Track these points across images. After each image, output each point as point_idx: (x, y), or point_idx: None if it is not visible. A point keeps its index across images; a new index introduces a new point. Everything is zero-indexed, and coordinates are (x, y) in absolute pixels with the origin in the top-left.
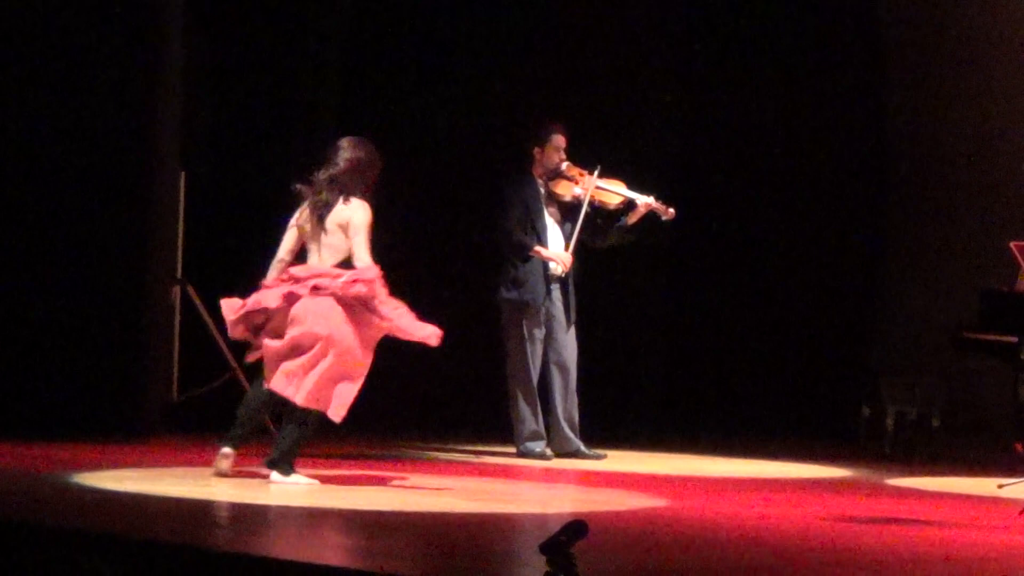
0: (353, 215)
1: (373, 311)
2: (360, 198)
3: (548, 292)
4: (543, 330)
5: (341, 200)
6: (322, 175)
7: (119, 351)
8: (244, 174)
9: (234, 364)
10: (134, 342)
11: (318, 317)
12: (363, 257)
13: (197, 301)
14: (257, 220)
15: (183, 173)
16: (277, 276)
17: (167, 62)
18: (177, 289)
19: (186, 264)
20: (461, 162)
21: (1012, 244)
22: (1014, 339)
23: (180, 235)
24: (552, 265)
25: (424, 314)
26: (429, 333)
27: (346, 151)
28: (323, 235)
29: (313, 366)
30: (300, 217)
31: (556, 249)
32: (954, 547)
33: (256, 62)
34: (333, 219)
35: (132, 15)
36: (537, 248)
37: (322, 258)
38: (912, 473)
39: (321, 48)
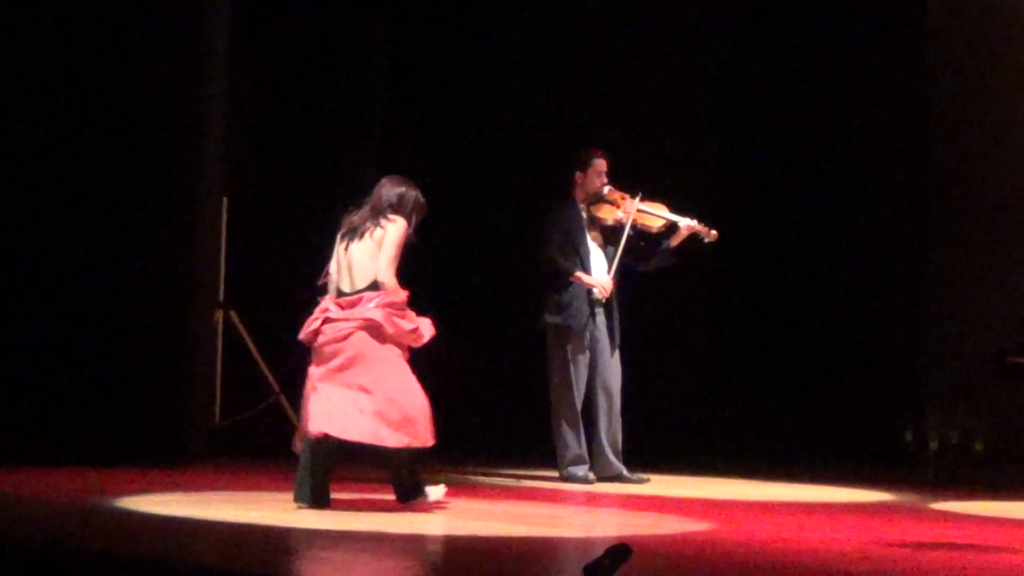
0: (387, 231)
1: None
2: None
3: (592, 316)
4: (587, 354)
5: (374, 223)
6: (363, 208)
7: (163, 376)
8: (286, 200)
9: (277, 388)
10: (178, 367)
11: (369, 359)
12: (385, 272)
13: (240, 326)
14: (299, 246)
15: (225, 199)
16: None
17: (210, 89)
18: (220, 314)
19: (229, 289)
20: (503, 188)
21: None
22: None
23: (223, 260)
24: (594, 290)
25: (469, 340)
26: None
27: (387, 187)
28: (355, 260)
29: (383, 407)
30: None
31: (599, 273)
32: (996, 571)
33: (299, 88)
34: (372, 240)
35: (176, 42)
36: (578, 274)
37: (354, 284)
38: (955, 498)
39: (364, 74)
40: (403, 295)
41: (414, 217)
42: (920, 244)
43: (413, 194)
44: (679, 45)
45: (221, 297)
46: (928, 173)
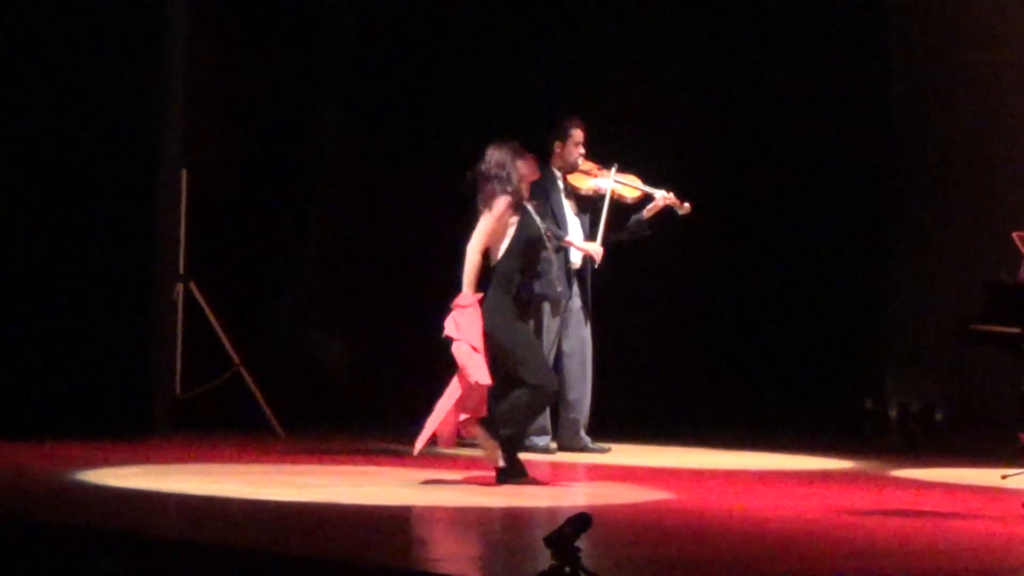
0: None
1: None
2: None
3: (569, 285)
4: (559, 324)
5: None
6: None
7: (123, 349)
8: (247, 172)
9: (237, 360)
10: (138, 340)
11: None
12: (468, 248)
13: (200, 298)
14: (259, 217)
15: (185, 171)
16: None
17: (170, 60)
18: (180, 286)
19: (189, 261)
20: (469, 159)
21: (1015, 234)
22: (1018, 330)
23: (183, 233)
24: (573, 258)
25: (436, 309)
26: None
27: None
28: None
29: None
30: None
31: (577, 241)
32: (957, 537)
33: (260, 60)
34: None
35: (136, 14)
36: (569, 239)
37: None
38: (916, 465)
39: (327, 45)
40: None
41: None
42: (882, 213)
43: (509, 159)
44: (646, 18)
45: (181, 270)
46: (890, 143)
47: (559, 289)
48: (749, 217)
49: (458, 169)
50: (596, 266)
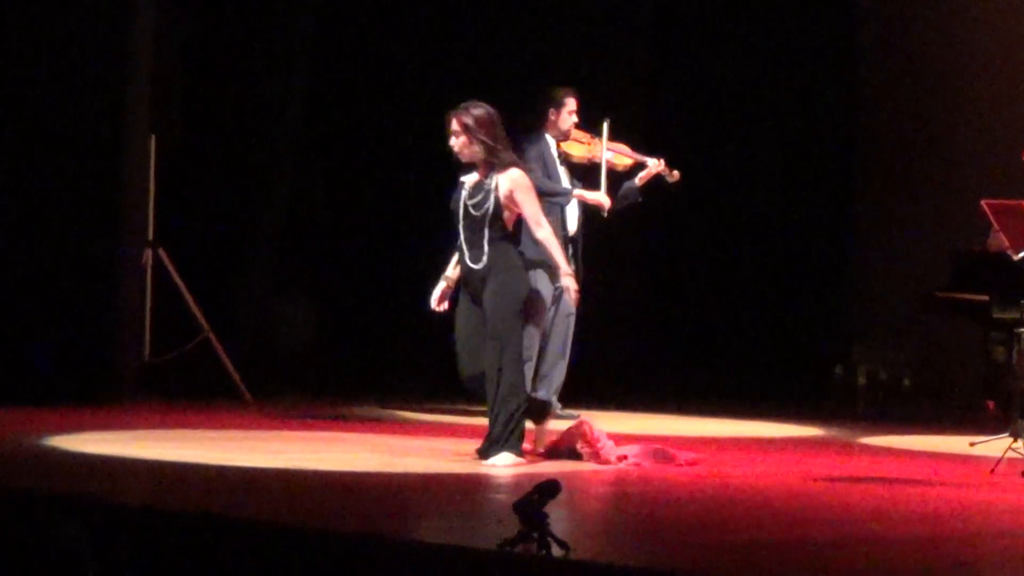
0: (511, 184)
1: None
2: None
3: (566, 252)
4: (551, 285)
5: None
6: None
7: (92, 314)
8: (215, 137)
9: (207, 327)
10: (107, 306)
11: None
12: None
13: (169, 264)
14: (227, 183)
15: (153, 137)
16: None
17: (138, 26)
18: (149, 252)
19: (158, 228)
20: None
21: (983, 202)
22: (985, 298)
23: (151, 198)
24: (570, 226)
25: (402, 276)
26: None
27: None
28: None
29: None
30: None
31: (572, 209)
32: (926, 504)
33: (227, 25)
34: None
35: None
36: (579, 192)
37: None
38: (884, 432)
39: (294, 9)
40: None
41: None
42: (848, 181)
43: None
44: None
45: (150, 235)
46: (855, 110)
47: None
48: (719, 188)
49: (426, 137)
50: (605, 215)
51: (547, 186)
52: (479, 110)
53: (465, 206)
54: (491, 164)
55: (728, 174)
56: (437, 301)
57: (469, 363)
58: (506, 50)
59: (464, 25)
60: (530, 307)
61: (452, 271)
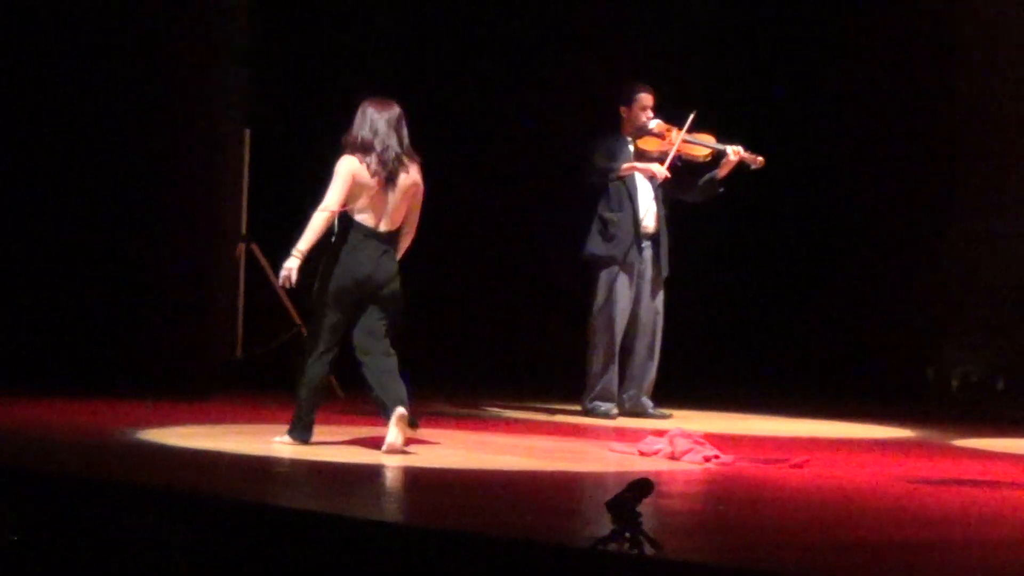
0: (420, 183)
1: None
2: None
3: (639, 248)
4: (633, 288)
5: (408, 161)
6: (395, 141)
7: (185, 309)
8: (310, 132)
9: (299, 321)
10: (200, 300)
11: None
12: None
13: (262, 259)
14: (322, 178)
15: (248, 131)
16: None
17: (234, 20)
18: (242, 247)
19: (251, 222)
20: (542, 118)
21: None
22: None
23: (245, 193)
24: (646, 222)
25: (504, 274)
26: None
27: (388, 111)
28: (395, 197)
29: None
30: (366, 177)
31: (647, 207)
32: (1015, 506)
33: (324, 19)
34: (405, 181)
35: None
36: (628, 164)
37: (392, 220)
38: (977, 434)
39: (389, 5)
40: None
41: None
42: (945, 178)
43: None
44: None
45: (243, 230)
46: (957, 103)
47: (628, 251)
48: (811, 183)
49: (539, 124)
50: (659, 183)
51: (598, 165)
52: None
53: None
54: None
55: (818, 168)
56: None
57: None
58: (593, 49)
59: (553, 21)
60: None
61: None
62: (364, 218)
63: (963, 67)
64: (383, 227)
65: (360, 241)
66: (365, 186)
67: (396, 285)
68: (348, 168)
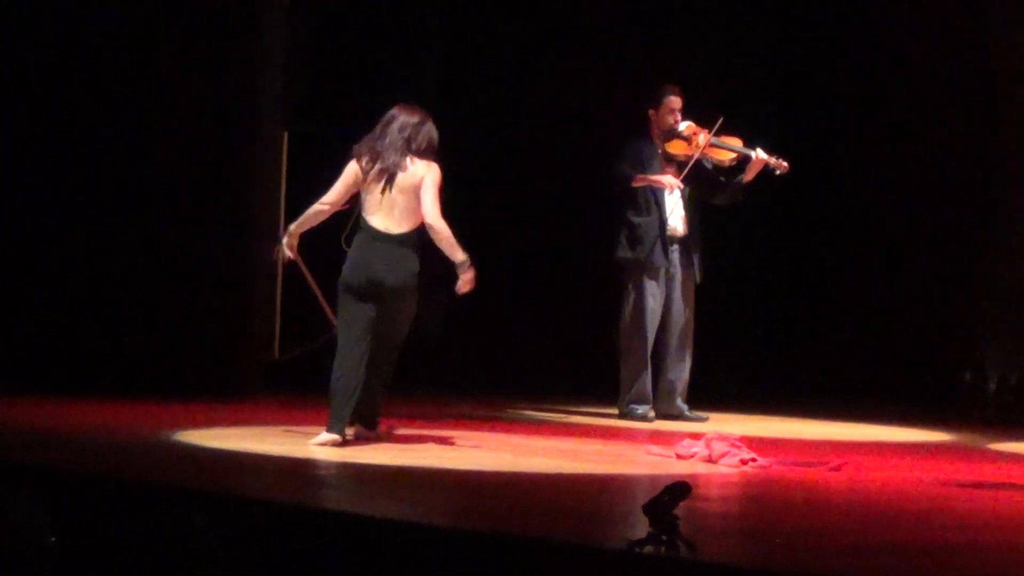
0: (426, 174)
1: None
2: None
3: (666, 252)
4: (662, 292)
5: (410, 161)
6: (400, 143)
7: (223, 310)
8: (346, 135)
9: (335, 324)
10: (237, 302)
11: None
12: (433, 212)
13: (300, 261)
14: None
15: (285, 134)
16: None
17: (271, 23)
18: (280, 249)
19: (288, 223)
20: (574, 123)
21: None
22: None
23: (283, 195)
24: (673, 223)
25: (538, 278)
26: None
27: (418, 125)
28: (395, 198)
29: None
30: (363, 176)
31: (675, 211)
32: None
33: (359, 23)
34: (405, 180)
35: None
36: (642, 175)
37: (397, 221)
38: (1014, 438)
39: (425, 9)
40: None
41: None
42: (983, 180)
43: (435, 134)
44: None
45: (281, 232)
46: (997, 107)
47: (656, 255)
48: (847, 185)
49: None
50: (669, 193)
51: (619, 173)
52: None
53: None
54: None
55: (859, 170)
56: None
57: None
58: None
59: (589, 25)
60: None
61: None
62: (368, 218)
63: (1002, 71)
64: (384, 227)
65: (363, 240)
66: (363, 186)
67: (397, 285)
68: (347, 167)
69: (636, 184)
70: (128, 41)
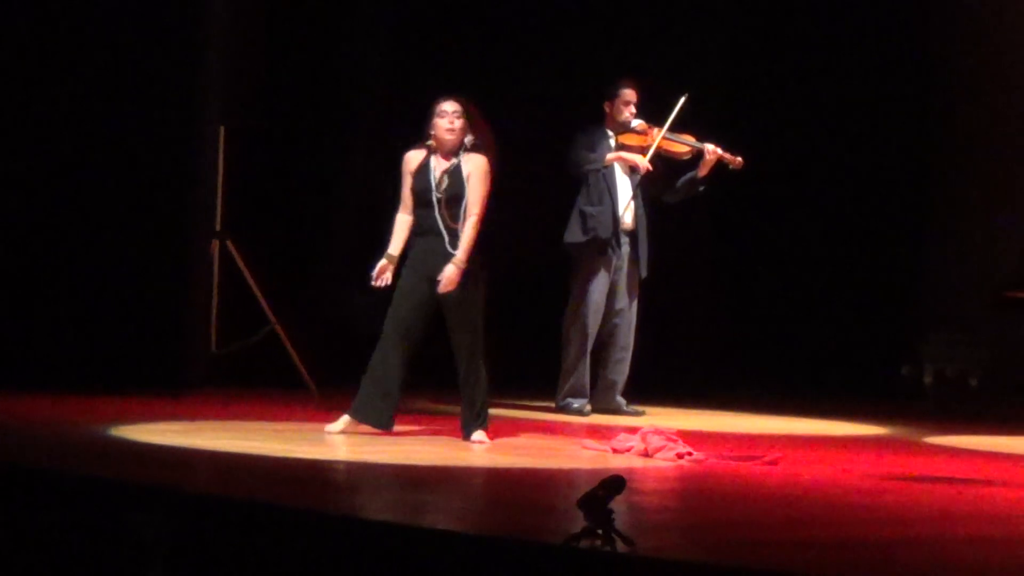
0: (473, 168)
1: None
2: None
3: (617, 244)
4: (607, 283)
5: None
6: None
7: (159, 305)
8: (284, 129)
9: (273, 318)
10: (174, 296)
11: None
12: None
13: (236, 255)
14: (296, 174)
15: (223, 128)
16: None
17: (210, 17)
18: (217, 243)
19: (226, 218)
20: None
21: None
22: None
23: (220, 189)
24: (626, 219)
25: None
26: None
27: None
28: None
29: None
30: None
31: (626, 202)
32: (992, 504)
33: (299, 16)
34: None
35: None
36: (614, 154)
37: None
38: (950, 432)
39: (370, 3)
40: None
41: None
42: (920, 176)
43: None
44: None
45: (218, 226)
46: (932, 102)
47: (608, 241)
48: (786, 177)
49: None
50: (641, 172)
51: (579, 156)
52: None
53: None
54: (461, 150)
55: (798, 163)
56: (377, 275)
57: (405, 338)
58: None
59: (540, 20)
60: None
61: (395, 248)
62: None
63: (944, 69)
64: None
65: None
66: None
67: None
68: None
69: (607, 163)
70: (66, 35)
